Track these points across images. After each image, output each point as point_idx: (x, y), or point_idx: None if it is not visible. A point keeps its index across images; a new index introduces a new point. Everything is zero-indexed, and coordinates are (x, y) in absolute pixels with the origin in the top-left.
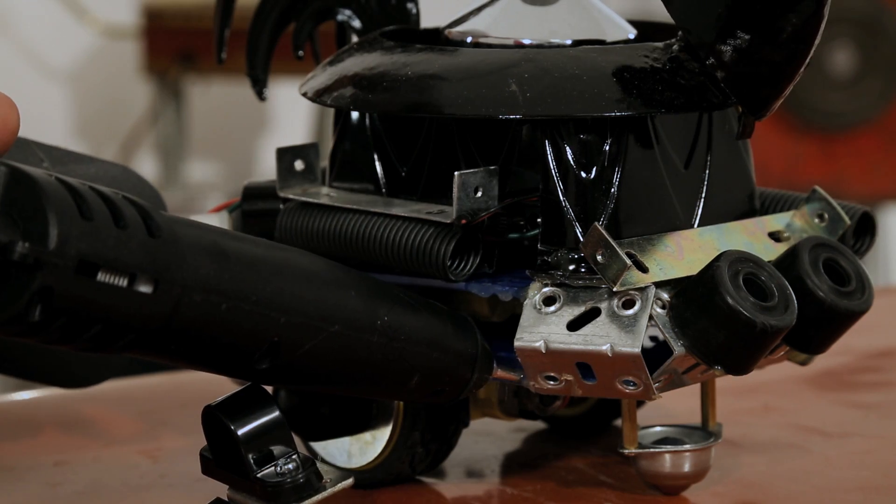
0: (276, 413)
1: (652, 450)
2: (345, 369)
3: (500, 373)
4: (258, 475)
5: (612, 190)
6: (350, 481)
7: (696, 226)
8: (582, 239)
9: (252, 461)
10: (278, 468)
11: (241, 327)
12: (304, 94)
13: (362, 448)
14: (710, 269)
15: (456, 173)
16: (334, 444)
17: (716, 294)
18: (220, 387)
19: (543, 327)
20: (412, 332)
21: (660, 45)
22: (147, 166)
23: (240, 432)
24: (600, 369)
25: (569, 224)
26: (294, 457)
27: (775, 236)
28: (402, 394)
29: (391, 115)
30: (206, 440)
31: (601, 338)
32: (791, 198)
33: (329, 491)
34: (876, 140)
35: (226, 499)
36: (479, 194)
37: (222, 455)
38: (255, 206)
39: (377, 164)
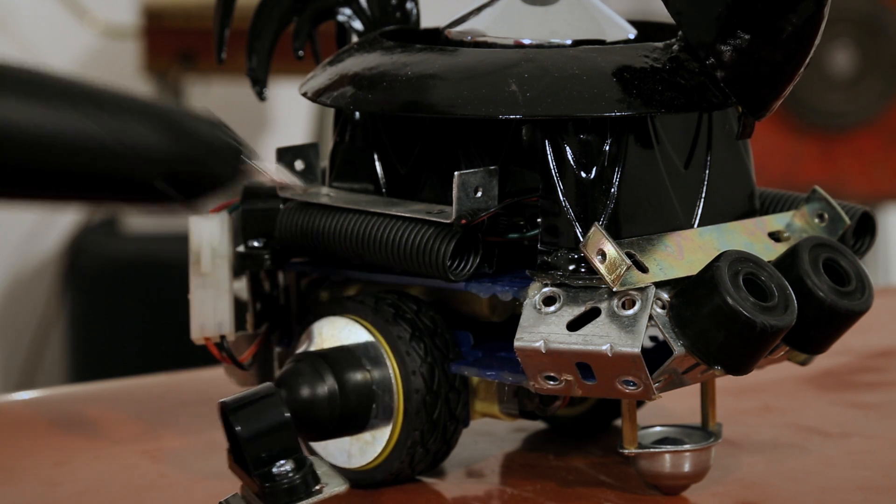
0: (285, 414)
1: (652, 450)
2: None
3: None
4: (256, 474)
5: (612, 190)
6: (344, 488)
7: (696, 226)
8: (582, 239)
9: (255, 461)
10: (276, 468)
11: None
12: (304, 94)
13: (362, 448)
14: (710, 269)
15: (456, 173)
16: (334, 444)
17: (716, 294)
18: (220, 386)
19: (543, 327)
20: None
21: (660, 45)
22: None
23: (244, 433)
24: (600, 369)
25: (569, 224)
26: (294, 458)
27: (775, 236)
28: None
29: (391, 115)
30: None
31: (601, 338)
32: (791, 198)
33: (319, 497)
34: (876, 140)
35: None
36: (479, 194)
37: (235, 451)
38: (254, 206)
39: (377, 164)
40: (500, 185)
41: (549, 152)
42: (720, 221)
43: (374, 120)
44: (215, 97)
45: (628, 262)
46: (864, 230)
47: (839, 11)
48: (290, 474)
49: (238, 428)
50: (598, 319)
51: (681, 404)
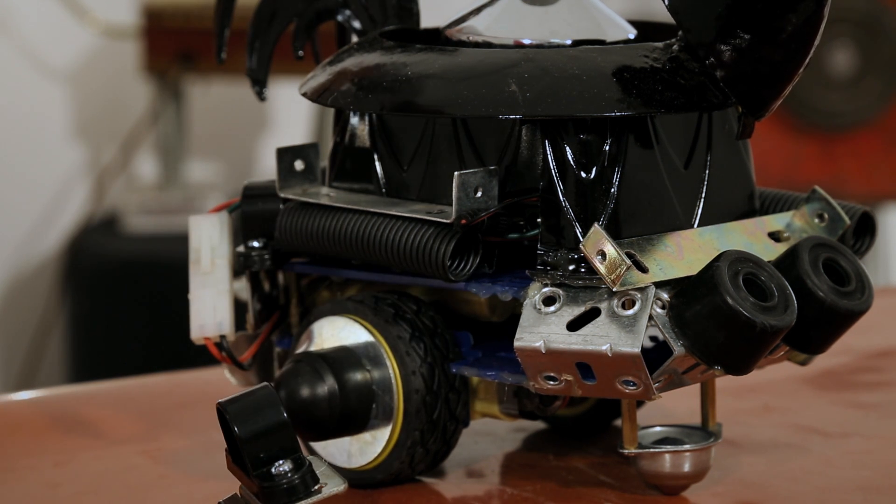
0: (282, 415)
1: (652, 450)
2: None
3: None
4: (255, 474)
5: (612, 190)
6: (343, 488)
7: (695, 226)
8: (582, 239)
9: (253, 461)
10: (275, 469)
11: None
12: (304, 94)
13: (362, 448)
14: (710, 269)
15: (456, 173)
16: (334, 443)
17: (716, 294)
18: (220, 387)
19: (543, 327)
20: None
21: (660, 45)
22: (147, 166)
23: (242, 434)
24: (600, 369)
25: (569, 224)
26: (292, 458)
27: (775, 236)
28: None
29: (391, 115)
30: (223, 436)
31: (601, 338)
32: (791, 198)
33: (318, 497)
34: (876, 140)
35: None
36: (479, 194)
37: (233, 452)
38: (254, 206)
39: (377, 164)
40: (500, 185)
41: (549, 152)
42: (720, 221)
43: (373, 120)
44: (215, 97)
45: (628, 262)
46: (864, 230)
47: (839, 11)
48: (289, 474)
49: (236, 429)
50: (598, 319)
51: (681, 404)
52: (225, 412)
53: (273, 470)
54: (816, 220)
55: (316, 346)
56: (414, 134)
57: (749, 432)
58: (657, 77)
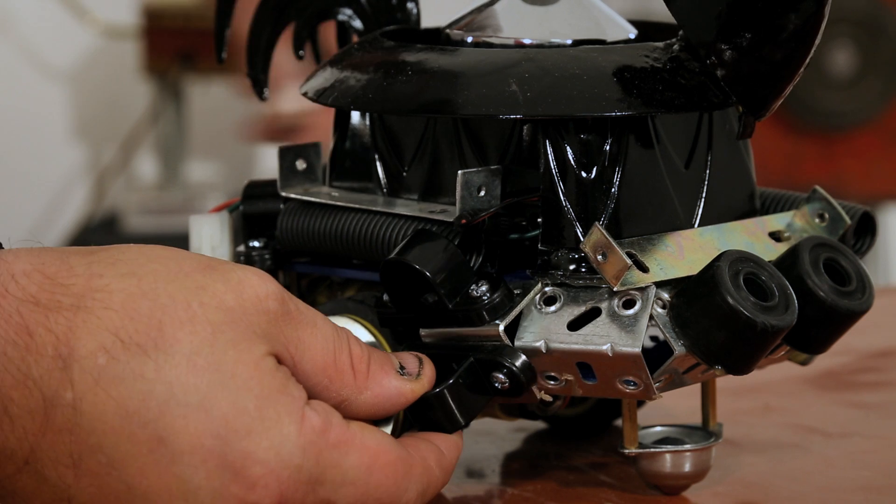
0: (453, 248)
1: (652, 450)
2: None
3: None
4: (452, 305)
5: (613, 190)
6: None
7: (696, 225)
8: (582, 239)
9: (445, 294)
10: (474, 292)
11: None
12: (304, 94)
13: None
14: (711, 269)
15: (460, 172)
16: None
17: (716, 294)
18: None
19: (544, 327)
20: None
21: (660, 44)
22: (147, 166)
23: (430, 272)
24: (601, 369)
25: (569, 224)
26: (483, 281)
27: (776, 236)
28: None
29: (391, 115)
30: (387, 294)
31: (601, 338)
32: (791, 198)
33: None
34: (876, 140)
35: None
36: (483, 194)
37: (406, 302)
38: (255, 206)
39: (377, 163)
40: (501, 185)
41: (549, 152)
42: (721, 221)
43: (374, 120)
44: (215, 97)
45: (629, 261)
46: (865, 230)
47: (839, 11)
48: (490, 293)
49: (422, 269)
50: (598, 319)
51: (681, 404)
52: (407, 261)
53: (473, 293)
54: (817, 220)
55: None
56: (415, 134)
57: (749, 432)
58: (658, 77)
